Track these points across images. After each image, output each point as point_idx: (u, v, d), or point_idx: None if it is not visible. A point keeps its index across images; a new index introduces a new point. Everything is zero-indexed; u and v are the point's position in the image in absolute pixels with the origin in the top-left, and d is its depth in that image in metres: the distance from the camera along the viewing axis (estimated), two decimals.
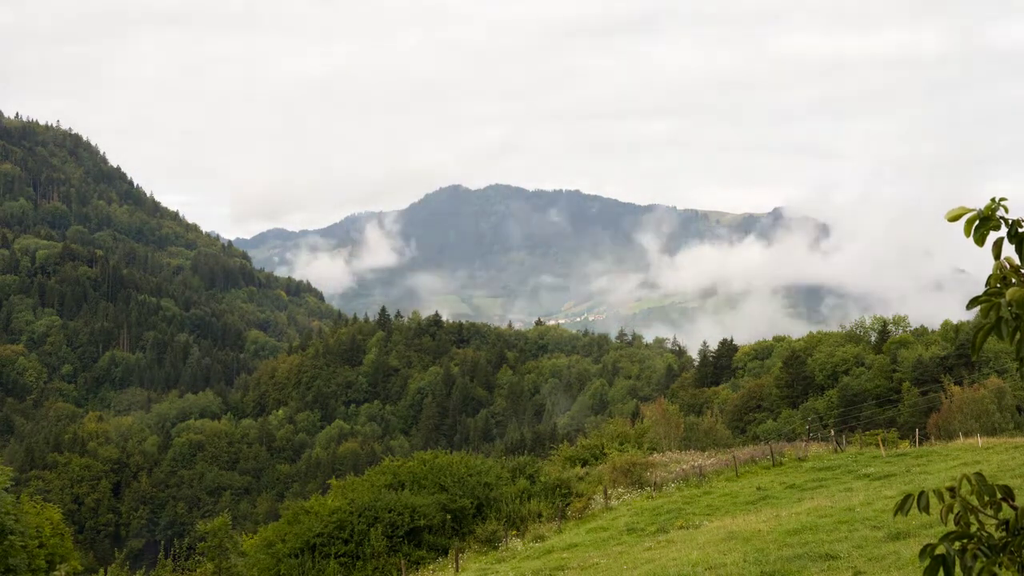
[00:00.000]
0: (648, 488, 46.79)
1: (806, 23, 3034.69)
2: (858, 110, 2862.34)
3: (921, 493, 4.71)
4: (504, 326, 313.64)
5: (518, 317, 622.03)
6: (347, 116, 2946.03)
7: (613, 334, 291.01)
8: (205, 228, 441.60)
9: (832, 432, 69.44)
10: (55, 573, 38.70)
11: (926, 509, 4.66)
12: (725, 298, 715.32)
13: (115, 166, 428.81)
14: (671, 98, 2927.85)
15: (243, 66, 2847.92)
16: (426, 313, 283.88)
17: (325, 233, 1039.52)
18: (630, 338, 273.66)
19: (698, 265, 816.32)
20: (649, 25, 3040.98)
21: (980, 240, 4.72)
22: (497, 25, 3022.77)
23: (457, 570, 35.82)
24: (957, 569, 4.48)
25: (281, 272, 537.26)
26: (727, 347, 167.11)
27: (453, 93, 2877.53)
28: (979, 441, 50.51)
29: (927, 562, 4.51)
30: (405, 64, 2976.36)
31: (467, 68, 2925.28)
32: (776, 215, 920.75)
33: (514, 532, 42.22)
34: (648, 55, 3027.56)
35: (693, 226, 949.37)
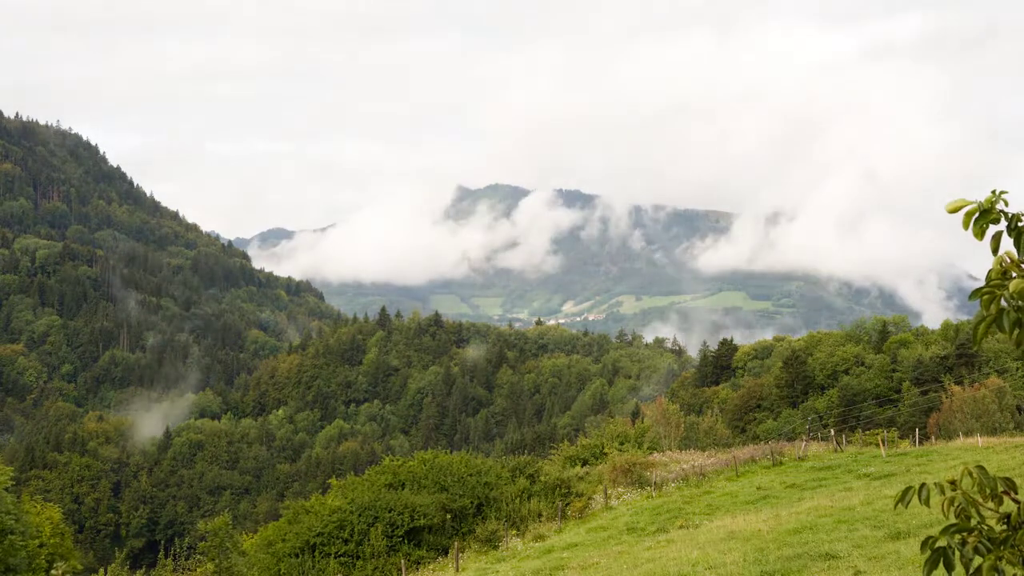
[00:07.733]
0: (648, 488, 46.78)
1: None
2: None
3: (922, 485, 4.71)
4: (504, 326, 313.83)
5: (518, 317, 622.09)
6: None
7: (613, 334, 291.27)
8: (206, 227, 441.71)
9: (832, 432, 69.39)
10: (54, 571, 38.72)
11: (926, 501, 4.65)
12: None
13: (115, 166, 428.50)
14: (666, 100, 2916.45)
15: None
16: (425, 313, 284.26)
17: (325, 232, 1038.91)
18: (630, 338, 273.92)
19: (697, 264, 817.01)
20: None
21: (979, 234, 4.72)
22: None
23: (457, 570, 35.81)
24: (957, 562, 4.47)
25: (281, 271, 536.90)
26: (727, 347, 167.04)
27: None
28: (979, 441, 50.48)
29: (927, 554, 4.51)
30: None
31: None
32: (775, 213, 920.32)
33: (514, 532, 42.21)
34: None
35: (693, 225, 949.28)
